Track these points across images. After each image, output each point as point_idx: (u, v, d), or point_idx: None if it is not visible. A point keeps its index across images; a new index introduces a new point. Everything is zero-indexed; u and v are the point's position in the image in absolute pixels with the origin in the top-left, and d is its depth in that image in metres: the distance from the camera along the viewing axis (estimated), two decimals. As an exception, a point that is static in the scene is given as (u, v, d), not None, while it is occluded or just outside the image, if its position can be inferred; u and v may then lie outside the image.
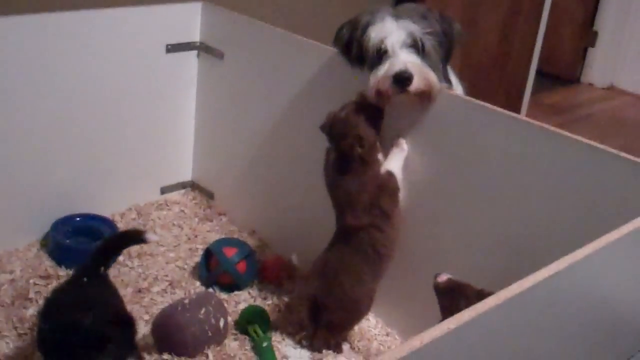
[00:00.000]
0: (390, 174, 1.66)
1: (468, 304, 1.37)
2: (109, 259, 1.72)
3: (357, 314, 1.73)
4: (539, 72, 3.80)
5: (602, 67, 4.59)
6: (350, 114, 1.63)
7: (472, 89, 1.78)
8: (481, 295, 1.38)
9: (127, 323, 1.57)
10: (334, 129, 1.64)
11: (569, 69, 4.68)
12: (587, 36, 4.57)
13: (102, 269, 1.63)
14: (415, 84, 1.57)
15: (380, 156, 1.66)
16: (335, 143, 1.65)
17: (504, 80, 3.57)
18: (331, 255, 1.69)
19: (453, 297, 1.42)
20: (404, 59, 1.57)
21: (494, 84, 3.50)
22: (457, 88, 1.76)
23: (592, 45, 4.57)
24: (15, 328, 1.72)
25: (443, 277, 1.45)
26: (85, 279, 1.59)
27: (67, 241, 2.02)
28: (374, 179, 1.64)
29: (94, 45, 2.02)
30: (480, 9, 3.29)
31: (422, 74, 1.57)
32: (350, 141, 1.60)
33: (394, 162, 1.67)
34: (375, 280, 1.69)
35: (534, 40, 3.60)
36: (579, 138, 1.43)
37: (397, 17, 1.62)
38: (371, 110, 1.64)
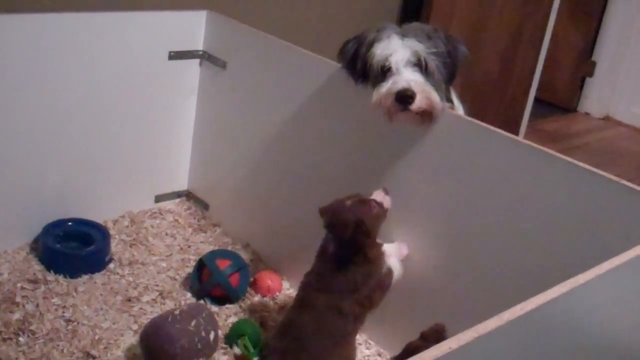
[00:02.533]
0: (389, 272, 1.62)
1: None
2: None
3: None
4: (537, 100, 3.83)
5: (599, 98, 4.61)
6: (356, 203, 1.58)
7: (472, 112, 1.77)
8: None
9: None
10: (336, 215, 1.58)
11: (566, 97, 4.69)
12: (586, 66, 4.59)
13: None
14: (418, 103, 1.56)
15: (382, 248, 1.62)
16: (335, 230, 1.59)
17: (503, 105, 3.58)
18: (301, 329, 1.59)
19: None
20: (407, 77, 1.57)
21: (494, 108, 3.51)
22: (459, 109, 1.76)
23: (590, 75, 4.59)
24: (0, 333, 1.69)
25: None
26: None
27: (58, 245, 2.00)
28: (375, 275, 1.59)
29: (94, 48, 2.01)
30: (483, 33, 3.31)
31: (424, 93, 1.57)
32: (353, 230, 1.53)
33: (395, 259, 1.64)
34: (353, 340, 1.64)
35: (534, 67, 3.63)
36: (580, 164, 1.42)
37: (403, 35, 1.62)
38: (376, 208, 1.59)
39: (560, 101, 4.69)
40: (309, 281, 1.63)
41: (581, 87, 4.67)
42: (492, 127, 1.56)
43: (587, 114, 4.66)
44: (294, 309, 1.63)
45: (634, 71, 4.46)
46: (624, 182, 1.36)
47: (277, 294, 1.99)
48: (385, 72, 1.60)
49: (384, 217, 1.61)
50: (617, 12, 4.42)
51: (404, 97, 1.55)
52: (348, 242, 1.56)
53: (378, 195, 1.61)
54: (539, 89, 3.73)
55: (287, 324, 1.62)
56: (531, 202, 1.48)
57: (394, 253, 1.65)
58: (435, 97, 1.57)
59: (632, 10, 4.36)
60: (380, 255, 1.60)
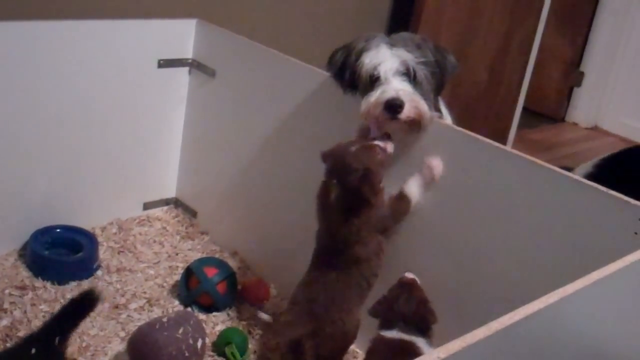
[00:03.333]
0: (403, 197, 1.62)
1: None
2: (66, 329, 1.47)
3: (346, 344, 1.65)
4: (525, 109, 3.84)
5: (587, 108, 4.63)
6: (362, 150, 1.56)
7: (460, 122, 1.78)
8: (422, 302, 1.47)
9: None
10: (341, 162, 1.56)
11: (554, 107, 4.71)
12: (574, 76, 4.61)
13: (57, 340, 1.40)
14: (406, 112, 1.56)
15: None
16: (340, 177, 1.57)
17: (491, 114, 3.60)
18: (318, 291, 1.59)
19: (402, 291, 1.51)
20: (396, 86, 1.58)
21: (482, 117, 3.52)
22: (447, 118, 1.77)
23: (578, 85, 4.61)
24: (-12, 339, 1.68)
25: (410, 276, 1.53)
26: (33, 351, 1.35)
27: (46, 252, 1.99)
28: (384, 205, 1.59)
29: (84, 55, 2.00)
30: (472, 44, 3.32)
31: (413, 102, 1.57)
32: (360, 177, 1.53)
33: (413, 185, 1.63)
34: (360, 308, 1.64)
35: (522, 77, 3.64)
36: (569, 174, 1.43)
37: (392, 45, 1.63)
38: (381, 154, 1.58)
39: (548, 111, 4.71)
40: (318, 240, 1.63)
41: (569, 97, 4.69)
42: (480, 137, 1.57)
43: (575, 124, 4.68)
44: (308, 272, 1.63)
45: (621, 81, 4.48)
46: (612, 192, 1.36)
47: (265, 302, 1.98)
48: (374, 81, 1.60)
49: (388, 163, 1.60)
50: (605, 23, 4.44)
51: (393, 106, 1.55)
52: (353, 190, 1.54)
53: (381, 141, 1.59)
54: (527, 99, 3.74)
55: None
56: (520, 212, 1.49)
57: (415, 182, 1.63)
58: (423, 106, 1.57)
59: (619, 21, 4.38)
60: (382, 200, 1.59)
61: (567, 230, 1.41)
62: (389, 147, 1.60)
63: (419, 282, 1.57)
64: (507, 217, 1.51)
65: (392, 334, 1.49)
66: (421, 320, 1.50)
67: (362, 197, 1.54)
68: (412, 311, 1.50)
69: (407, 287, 1.55)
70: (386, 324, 1.52)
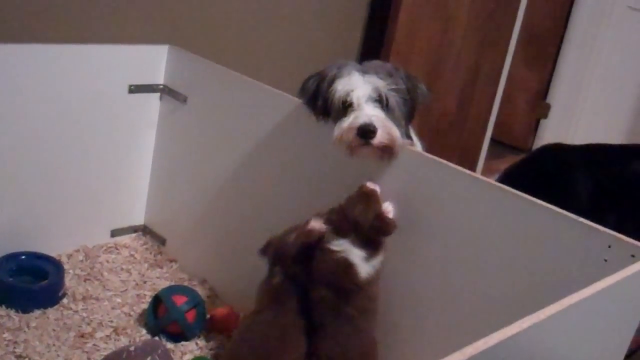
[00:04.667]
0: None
1: None
2: None
3: None
4: (493, 140, 3.88)
5: (553, 139, 4.63)
6: (299, 237, 1.62)
7: (429, 150, 1.79)
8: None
9: None
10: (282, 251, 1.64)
11: (521, 138, 4.77)
12: (540, 108, 4.68)
13: None
14: (379, 137, 1.57)
15: None
16: (283, 265, 1.64)
17: (459, 144, 3.63)
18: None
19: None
20: (368, 112, 1.59)
21: (451, 146, 3.55)
22: (417, 146, 1.78)
23: (545, 116, 4.68)
24: (-51, 368, 1.64)
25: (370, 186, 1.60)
26: None
27: (10, 279, 1.95)
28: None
29: (53, 80, 1.98)
30: (441, 74, 3.36)
31: (385, 128, 1.58)
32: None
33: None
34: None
35: (491, 107, 3.70)
36: (539, 202, 1.44)
37: (364, 72, 1.64)
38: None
39: (515, 142, 4.77)
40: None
41: (536, 128, 4.75)
42: (451, 164, 1.57)
43: (541, 154, 4.73)
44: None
45: (587, 113, 4.55)
46: (581, 219, 1.38)
47: (234, 331, 1.96)
48: (346, 107, 1.61)
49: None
50: (571, 56, 4.52)
51: (366, 132, 1.56)
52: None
53: (316, 223, 1.61)
54: (495, 130, 3.79)
55: None
56: (490, 238, 1.49)
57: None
58: (396, 132, 1.58)
59: (585, 54, 4.47)
60: None
61: (538, 257, 1.42)
62: (323, 228, 1.62)
63: (379, 191, 1.60)
64: (478, 244, 1.51)
65: (341, 245, 1.57)
66: (376, 231, 1.56)
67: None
68: (367, 223, 1.55)
69: (365, 197, 1.59)
70: (339, 233, 1.58)
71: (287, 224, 1.70)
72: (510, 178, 2.65)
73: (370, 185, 1.61)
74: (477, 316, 1.49)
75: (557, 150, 2.81)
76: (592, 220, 1.37)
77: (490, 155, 3.99)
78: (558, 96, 4.62)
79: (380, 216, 1.56)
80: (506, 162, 4.46)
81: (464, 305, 1.54)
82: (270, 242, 1.67)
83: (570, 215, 1.39)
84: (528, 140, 4.77)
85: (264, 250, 1.67)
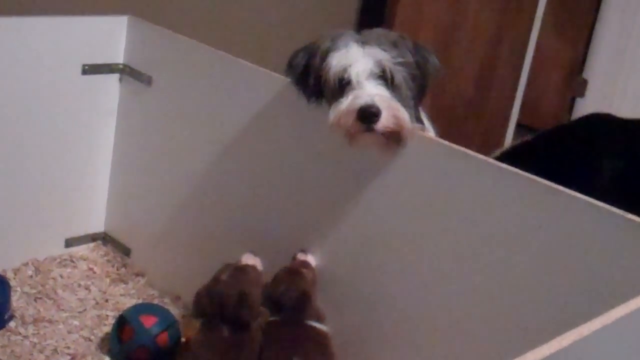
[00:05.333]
0: None
1: None
2: None
3: None
4: (520, 125, 3.87)
5: (591, 121, 4.69)
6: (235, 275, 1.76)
7: (443, 137, 1.78)
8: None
9: None
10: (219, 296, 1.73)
11: (554, 122, 4.77)
12: (575, 85, 4.68)
13: None
14: (384, 121, 1.56)
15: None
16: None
17: (479, 132, 3.63)
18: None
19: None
20: (370, 91, 1.58)
21: (468, 134, 3.54)
22: (430, 131, 1.78)
23: (581, 95, 4.68)
24: None
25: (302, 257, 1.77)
26: None
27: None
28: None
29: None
30: (456, 44, 3.35)
31: (391, 110, 1.57)
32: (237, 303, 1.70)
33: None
34: None
35: (515, 89, 3.69)
36: (577, 194, 1.43)
37: (364, 43, 1.63)
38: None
39: (546, 125, 4.75)
40: None
41: (571, 109, 4.76)
42: (470, 152, 1.56)
43: (578, 140, 4.74)
44: None
45: (631, 88, 4.55)
46: (629, 215, 1.36)
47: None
48: (343, 86, 1.60)
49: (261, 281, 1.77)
50: (611, 22, 4.52)
51: (368, 115, 1.54)
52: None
53: (248, 259, 1.79)
54: (521, 113, 3.78)
55: None
56: (520, 236, 1.48)
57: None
58: (403, 114, 1.57)
59: (627, 19, 4.46)
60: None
61: (576, 259, 1.40)
62: (258, 263, 1.79)
63: (313, 264, 1.78)
64: (506, 242, 1.50)
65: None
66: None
67: (242, 321, 1.70)
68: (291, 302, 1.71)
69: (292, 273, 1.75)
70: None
71: (272, 229, 1.71)
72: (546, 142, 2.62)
73: (302, 256, 1.80)
74: (507, 328, 1.48)
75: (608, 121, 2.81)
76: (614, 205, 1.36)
77: (517, 142, 4.00)
78: (596, 71, 4.62)
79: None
80: (536, 150, 4.48)
81: (491, 316, 1.53)
82: (199, 293, 1.76)
83: (615, 210, 1.37)
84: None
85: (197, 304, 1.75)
